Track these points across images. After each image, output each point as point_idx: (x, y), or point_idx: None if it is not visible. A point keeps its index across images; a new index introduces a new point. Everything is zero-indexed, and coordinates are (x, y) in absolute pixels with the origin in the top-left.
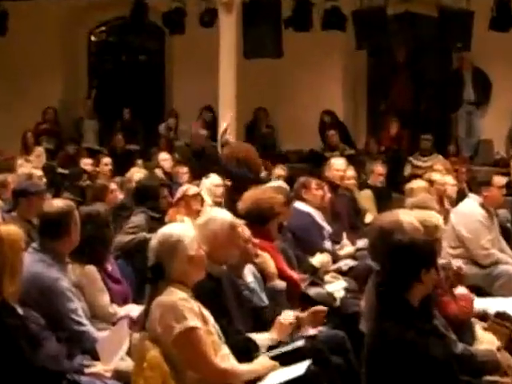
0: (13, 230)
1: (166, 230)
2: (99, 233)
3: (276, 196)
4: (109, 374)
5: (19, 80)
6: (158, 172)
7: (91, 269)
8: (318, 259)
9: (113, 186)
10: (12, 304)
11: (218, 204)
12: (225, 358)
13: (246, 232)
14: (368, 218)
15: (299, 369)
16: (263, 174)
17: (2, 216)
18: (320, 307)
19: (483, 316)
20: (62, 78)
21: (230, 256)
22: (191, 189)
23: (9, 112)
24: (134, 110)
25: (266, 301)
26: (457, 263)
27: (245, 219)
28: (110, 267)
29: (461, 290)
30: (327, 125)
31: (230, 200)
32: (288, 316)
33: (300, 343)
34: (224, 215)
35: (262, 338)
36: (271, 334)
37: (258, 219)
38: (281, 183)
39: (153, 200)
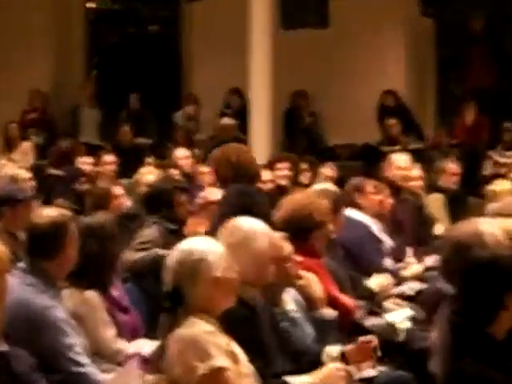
0: None
1: (185, 246)
2: (102, 249)
3: (317, 201)
4: None
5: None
6: (175, 172)
7: (92, 295)
8: (375, 281)
9: (118, 190)
10: None
11: None
12: None
13: (285, 248)
14: (439, 229)
15: None
16: (307, 176)
17: None
18: (368, 337)
19: None
20: (53, 55)
21: (268, 277)
22: (216, 193)
23: None
24: (143, 96)
25: (311, 333)
26: None
27: (283, 231)
28: (115, 293)
29: None
30: (389, 110)
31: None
32: (342, 365)
33: None
34: (261, 227)
35: (303, 383)
36: (315, 379)
37: (298, 231)
38: (328, 186)
39: (168, 208)
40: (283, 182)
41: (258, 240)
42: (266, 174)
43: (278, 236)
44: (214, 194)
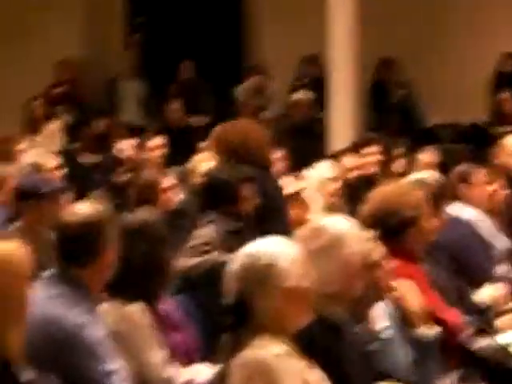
0: (14, 249)
1: (251, 249)
2: (149, 254)
3: (411, 193)
4: None
5: (21, 19)
6: None
7: (137, 309)
8: (486, 293)
9: (167, 181)
10: (15, 366)
11: (332, 208)
12: None
13: (376, 251)
14: None
15: None
16: (401, 163)
17: None
18: None
19: None
20: (85, 15)
21: (357, 288)
22: (290, 185)
23: (5, 68)
24: (198, 65)
25: (407, 356)
26: None
27: (371, 230)
28: (165, 307)
29: None
30: (506, 78)
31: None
32: None
33: None
34: (352, 228)
35: None
36: None
37: (389, 229)
38: (427, 174)
39: (230, 203)
40: (372, 170)
41: (350, 244)
42: (349, 161)
43: (366, 236)
44: (290, 185)
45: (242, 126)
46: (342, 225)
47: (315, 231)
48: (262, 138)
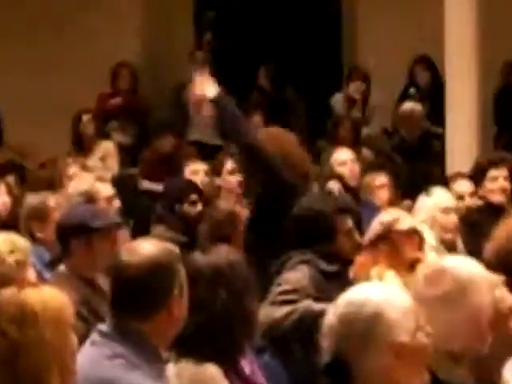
0: (55, 298)
1: (352, 297)
2: (231, 302)
3: None
4: None
5: (69, 16)
6: (334, 185)
7: (213, 372)
8: None
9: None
10: None
11: (447, 245)
12: None
13: (506, 299)
14: None
15: None
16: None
17: (39, 272)
18: None
19: None
20: (146, 12)
21: (485, 344)
22: (402, 220)
23: (49, 75)
24: (282, 69)
25: None
26: None
27: (497, 272)
28: (247, 368)
29: None
30: None
31: None
32: None
33: None
34: (480, 271)
35: None
36: None
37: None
38: None
39: (325, 239)
40: (497, 198)
41: (479, 290)
42: (467, 185)
43: (496, 280)
44: (400, 218)
45: (277, 134)
46: (468, 267)
47: (435, 275)
48: (299, 152)
